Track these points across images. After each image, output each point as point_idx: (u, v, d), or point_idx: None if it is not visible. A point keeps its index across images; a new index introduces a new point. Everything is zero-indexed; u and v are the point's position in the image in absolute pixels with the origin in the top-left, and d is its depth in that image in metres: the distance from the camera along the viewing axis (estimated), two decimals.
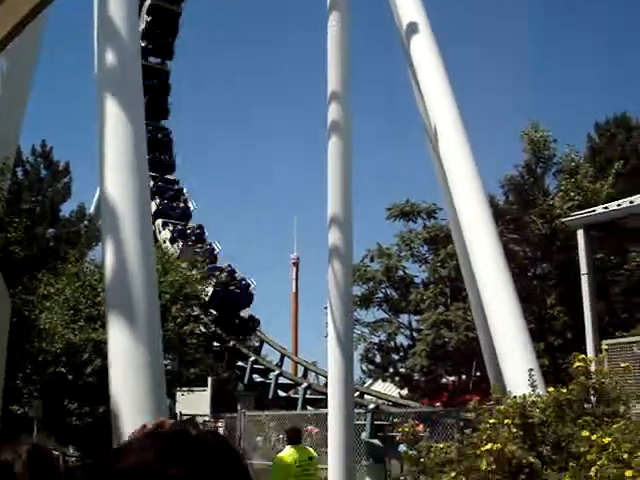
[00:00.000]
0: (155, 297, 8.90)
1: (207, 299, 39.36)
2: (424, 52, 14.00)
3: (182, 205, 48.73)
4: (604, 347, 11.03)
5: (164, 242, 43.68)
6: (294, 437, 10.52)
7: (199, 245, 44.44)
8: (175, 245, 43.20)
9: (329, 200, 15.60)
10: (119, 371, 8.14)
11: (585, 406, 5.02)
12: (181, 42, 53.32)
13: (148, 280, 8.43)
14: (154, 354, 8.34)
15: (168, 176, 50.95)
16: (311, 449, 11.27)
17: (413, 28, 14.08)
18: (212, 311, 39.77)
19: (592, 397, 5.24)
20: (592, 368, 5.95)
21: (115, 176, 8.46)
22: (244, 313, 42.20)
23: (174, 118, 53.35)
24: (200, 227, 47.36)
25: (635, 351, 13.26)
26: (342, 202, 15.47)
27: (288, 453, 10.30)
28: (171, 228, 45.41)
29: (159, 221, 45.01)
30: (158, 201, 46.70)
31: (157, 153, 49.18)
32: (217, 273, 41.32)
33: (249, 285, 42.63)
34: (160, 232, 44.47)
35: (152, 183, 46.14)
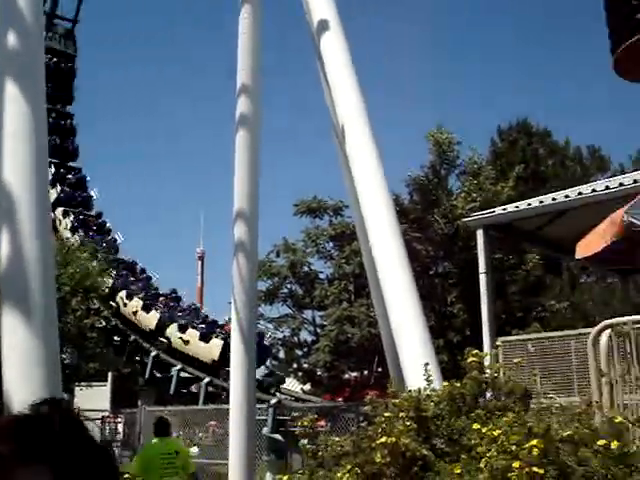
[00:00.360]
0: (52, 288, 8.65)
1: (216, 358, 32.60)
2: (334, 48, 14.07)
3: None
4: (499, 344, 11.43)
5: (65, 231, 42.23)
6: (161, 429, 10.39)
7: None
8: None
9: (235, 194, 15.51)
10: (13, 364, 7.88)
11: (480, 400, 5.17)
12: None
13: (45, 270, 8.19)
14: (50, 347, 8.10)
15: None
16: (180, 443, 11.15)
17: (324, 24, 14.15)
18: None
19: (486, 392, 5.40)
20: (487, 364, 6.14)
21: (12, 161, 8.18)
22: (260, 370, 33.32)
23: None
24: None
25: (529, 349, 13.73)
26: (248, 196, 15.40)
27: (153, 445, 10.17)
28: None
29: (60, 210, 43.54)
30: (59, 189, 45.16)
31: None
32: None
33: (263, 334, 33.19)
34: (60, 222, 42.97)
35: (53, 170, 44.56)
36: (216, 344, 33.13)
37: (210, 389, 32.01)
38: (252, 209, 15.41)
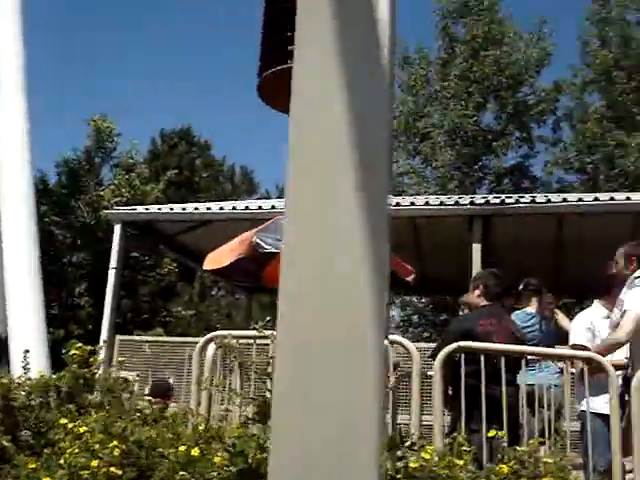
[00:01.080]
0: None
1: None
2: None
3: None
4: (105, 340, 11.46)
5: None
6: None
7: None
8: None
9: None
10: None
11: (77, 396, 5.05)
12: None
13: None
14: None
15: None
16: None
17: None
18: None
19: (87, 387, 5.30)
20: (100, 359, 6.04)
21: None
22: None
23: None
24: None
25: (146, 350, 13.91)
26: None
27: None
28: None
29: None
30: None
31: None
32: None
33: None
34: None
35: None
36: None
37: None
38: None
